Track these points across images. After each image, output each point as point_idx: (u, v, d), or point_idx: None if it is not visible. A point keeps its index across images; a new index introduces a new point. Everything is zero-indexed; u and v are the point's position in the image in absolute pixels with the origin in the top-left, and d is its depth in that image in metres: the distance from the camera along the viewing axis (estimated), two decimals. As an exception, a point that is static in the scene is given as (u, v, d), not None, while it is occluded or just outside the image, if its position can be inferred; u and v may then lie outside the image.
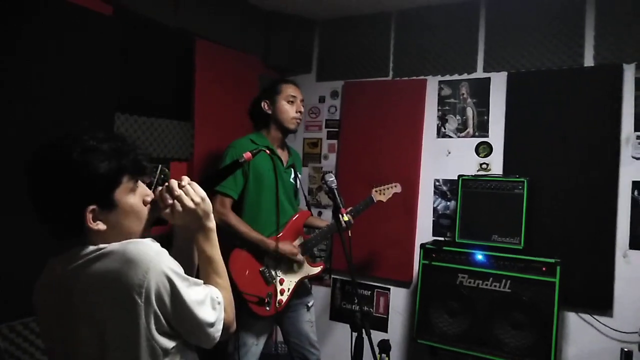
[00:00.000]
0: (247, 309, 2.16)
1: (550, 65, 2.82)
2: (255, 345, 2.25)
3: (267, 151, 1.60)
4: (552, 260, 2.41)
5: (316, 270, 2.44)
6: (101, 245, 1.04)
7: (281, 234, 2.35)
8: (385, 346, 3.02)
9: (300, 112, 2.44)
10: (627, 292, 2.56)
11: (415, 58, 3.24)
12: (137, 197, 1.10)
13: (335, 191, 2.06)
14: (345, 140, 3.49)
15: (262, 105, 2.41)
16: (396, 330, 3.24)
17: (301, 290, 2.42)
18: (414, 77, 3.25)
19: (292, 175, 2.51)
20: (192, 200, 1.12)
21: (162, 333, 1.04)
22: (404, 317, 3.22)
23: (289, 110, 2.40)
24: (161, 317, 1.02)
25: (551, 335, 2.36)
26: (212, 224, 1.18)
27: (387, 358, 3.05)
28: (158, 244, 1.08)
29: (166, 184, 1.14)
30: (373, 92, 3.37)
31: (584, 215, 2.67)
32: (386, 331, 3.25)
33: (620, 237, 2.60)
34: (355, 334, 2.10)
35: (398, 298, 3.25)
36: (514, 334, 2.47)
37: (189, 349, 1.15)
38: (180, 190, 1.12)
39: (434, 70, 3.19)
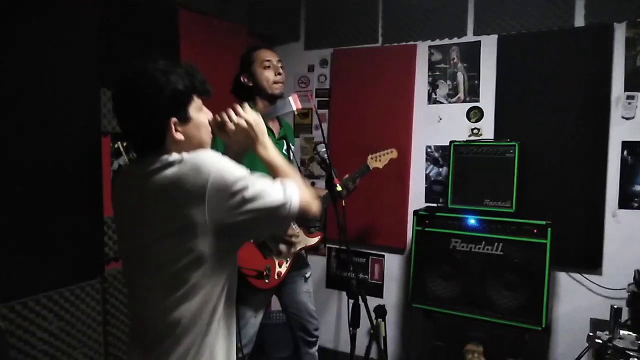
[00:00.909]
0: (245, 282, 2.18)
1: (541, 26, 2.79)
2: (254, 317, 2.28)
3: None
4: (543, 223, 2.45)
5: (314, 240, 2.45)
6: (174, 154, 1.19)
7: (275, 206, 2.34)
8: (381, 311, 3.11)
9: (279, 74, 2.36)
10: (616, 250, 2.62)
11: (405, 23, 3.19)
12: (204, 114, 1.28)
13: (328, 161, 2.05)
14: (336, 110, 3.46)
15: (242, 79, 2.34)
16: (391, 295, 3.30)
17: (299, 262, 2.44)
18: (404, 43, 3.21)
19: (285, 147, 2.49)
20: (247, 121, 1.35)
21: (217, 234, 1.14)
22: (399, 282, 3.28)
23: (268, 75, 2.31)
24: (219, 218, 1.13)
25: (542, 295, 2.42)
26: (266, 137, 1.37)
27: (383, 322, 3.14)
28: (221, 154, 1.22)
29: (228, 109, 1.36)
30: (363, 59, 3.32)
31: (574, 176, 2.70)
32: (382, 297, 3.32)
33: (610, 197, 2.64)
34: (352, 301, 2.14)
35: (392, 264, 3.30)
36: (506, 295, 2.53)
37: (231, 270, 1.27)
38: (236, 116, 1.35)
39: (423, 35, 3.14)
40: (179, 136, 1.20)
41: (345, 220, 2.20)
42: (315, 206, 1.28)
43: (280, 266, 2.31)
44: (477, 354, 2.55)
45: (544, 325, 2.43)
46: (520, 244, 2.50)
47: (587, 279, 2.69)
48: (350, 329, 2.06)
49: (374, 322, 3.22)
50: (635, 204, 2.59)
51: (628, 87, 2.60)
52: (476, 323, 2.57)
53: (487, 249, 2.58)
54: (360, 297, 2.05)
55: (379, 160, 2.57)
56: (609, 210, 2.64)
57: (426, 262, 2.75)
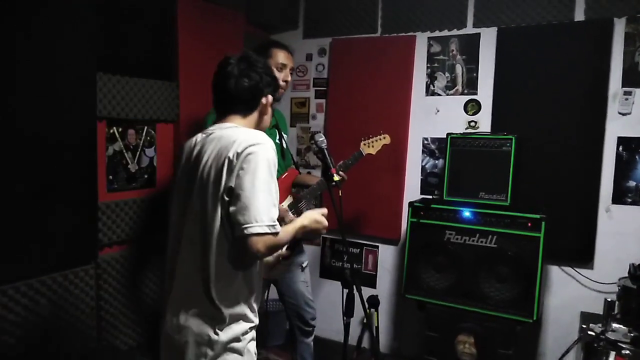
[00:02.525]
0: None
1: (541, 20, 2.78)
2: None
3: None
4: (537, 216, 2.46)
5: None
6: (238, 123, 1.55)
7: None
8: (374, 301, 3.13)
9: (286, 81, 2.37)
10: (608, 245, 2.65)
11: (404, 13, 3.17)
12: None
13: (325, 151, 2.04)
14: (334, 100, 3.45)
15: None
16: (385, 286, 3.32)
17: (296, 249, 2.44)
18: (403, 34, 3.19)
19: (277, 137, 2.48)
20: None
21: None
22: (392, 273, 3.30)
23: (277, 77, 2.34)
24: (237, 181, 1.39)
25: (534, 288, 2.44)
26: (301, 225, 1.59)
27: (376, 313, 3.16)
28: (270, 140, 1.49)
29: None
30: (361, 49, 3.30)
31: (569, 171, 2.71)
32: (375, 287, 3.33)
33: (604, 192, 2.66)
34: (346, 291, 2.15)
35: (386, 255, 3.32)
36: (499, 287, 2.55)
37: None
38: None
39: (423, 26, 3.12)
40: (268, 107, 1.62)
41: (341, 209, 2.20)
42: (268, 250, 1.40)
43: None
44: (469, 345, 2.58)
45: (535, 318, 2.45)
46: (514, 237, 2.51)
47: (579, 272, 2.72)
48: (344, 318, 2.07)
49: (367, 312, 3.24)
50: (629, 200, 2.61)
51: (625, 82, 2.60)
52: (468, 314, 2.60)
53: (481, 242, 2.59)
54: (354, 286, 2.06)
55: (372, 146, 2.56)
56: (603, 205, 2.66)
57: (420, 253, 2.76)
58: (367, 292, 3.30)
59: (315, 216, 1.60)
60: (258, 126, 1.61)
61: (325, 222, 1.62)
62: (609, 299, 1.92)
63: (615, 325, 1.88)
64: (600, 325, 1.93)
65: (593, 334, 1.80)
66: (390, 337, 3.30)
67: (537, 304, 2.44)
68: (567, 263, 2.76)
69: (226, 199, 1.39)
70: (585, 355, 1.93)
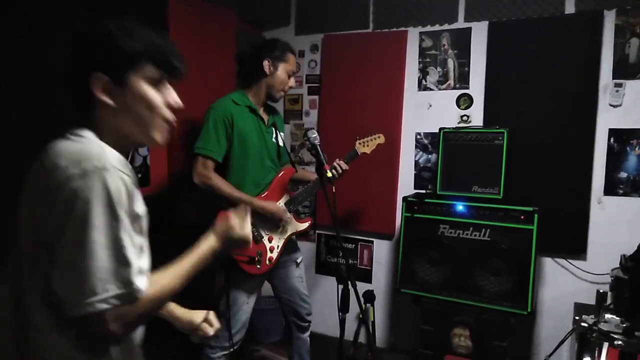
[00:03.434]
0: (238, 268, 2.19)
1: (532, 13, 2.79)
2: (246, 304, 2.29)
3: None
4: (530, 209, 2.48)
5: (304, 226, 2.47)
6: (85, 131, 1.02)
7: (266, 193, 2.35)
8: (369, 296, 3.14)
9: (291, 87, 2.42)
10: (601, 236, 2.67)
11: (396, 9, 3.17)
12: (158, 94, 1.09)
13: (319, 147, 2.04)
14: (327, 96, 3.45)
15: (264, 63, 2.32)
16: (380, 281, 3.34)
17: (289, 247, 2.45)
18: (395, 29, 3.19)
19: (274, 135, 2.48)
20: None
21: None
22: (387, 268, 3.31)
23: (286, 83, 2.37)
24: (54, 230, 0.92)
25: (528, 280, 2.46)
26: (216, 244, 1.19)
27: (371, 307, 3.17)
28: (120, 159, 0.99)
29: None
30: (353, 45, 3.30)
31: (561, 163, 2.73)
32: (370, 282, 3.35)
33: (596, 183, 2.68)
34: (341, 286, 2.16)
35: (381, 250, 3.33)
36: (493, 280, 2.56)
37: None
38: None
39: (414, 21, 3.13)
40: (106, 98, 1.02)
41: (335, 205, 2.20)
42: (123, 330, 0.97)
43: (271, 251, 2.32)
44: (464, 338, 2.60)
45: (529, 310, 2.47)
46: (507, 230, 2.52)
47: (572, 264, 2.74)
48: (340, 314, 2.08)
49: (363, 307, 3.25)
50: (620, 191, 2.63)
51: (616, 74, 2.62)
52: (463, 308, 2.61)
53: (475, 235, 2.61)
54: (349, 282, 2.07)
55: (366, 146, 2.57)
56: (595, 196, 2.68)
57: (414, 247, 2.77)
58: (362, 287, 3.31)
59: (227, 228, 1.20)
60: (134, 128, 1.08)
61: (246, 228, 1.22)
62: (601, 290, 1.93)
63: (607, 316, 1.90)
64: (592, 316, 1.94)
65: (586, 325, 1.82)
66: (387, 332, 3.32)
67: (531, 296, 2.46)
68: (560, 255, 2.78)
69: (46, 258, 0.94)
70: (579, 346, 1.95)
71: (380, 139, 2.60)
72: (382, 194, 3.24)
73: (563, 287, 2.77)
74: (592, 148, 2.67)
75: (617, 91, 2.61)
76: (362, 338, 3.29)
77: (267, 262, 2.29)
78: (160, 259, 1.60)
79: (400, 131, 3.20)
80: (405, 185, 3.20)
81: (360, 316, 3.16)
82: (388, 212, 3.23)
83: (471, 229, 2.62)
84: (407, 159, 3.21)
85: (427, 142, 3.16)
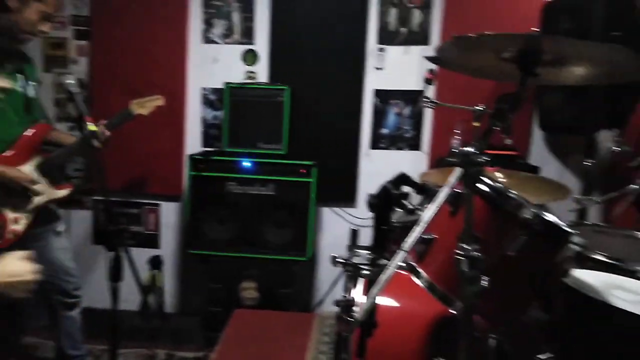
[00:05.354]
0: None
1: (311, -27, 2.88)
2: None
3: None
4: (310, 163, 2.63)
5: (62, 193, 2.12)
6: None
7: (11, 153, 1.94)
8: (156, 262, 2.97)
9: (44, 32, 1.99)
10: (368, 185, 3.00)
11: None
12: None
13: (76, 96, 1.75)
14: (99, 43, 3.01)
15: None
16: (169, 244, 3.17)
17: (45, 216, 2.09)
18: (175, -28, 2.93)
19: (20, 83, 2.04)
20: None
21: None
22: (176, 230, 3.16)
23: (35, 25, 1.91)
24: None
25: (306, 230, 2.64)
26: None
27: (159, 273, 3.01)
28: None
29: None
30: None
31: (337, 120, 2.95)
32: (158, 247, 3.16)
33: (364, 139, 2.99)
34: (112, 253, 1.96)
35: (169, 212, 3.16)
36: (277, 232, 2.67)
37: None
38: None
39: (197, -33, 2.93)
40: None
41: (102, 164, 1.95)
42: None
43: (16, 222, 1.94)
44: (252, 290, 2.66)
45: (309, 256, 2.66)
46: (290, 183, 2.64)
47: (345, 211, 3.04)
48: (111, 283, 1.89)
49: (149, 273, 3.07)
50: (382, 145, 2.99)
51: (381, 40, 2.91)
52: (251, 262, 2.67)
53: (260, 190, 2.66)
54: (122, 247, 1.88)
55: (143, 107, 2.32)
56: (363, 150, 2.99)
57: (202, 207, 2.70)
58: (150, 252, 3.11)
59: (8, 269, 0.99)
60: None
61: (29, 270, 1.05)
62: (353, 228, 2.13)
63: (360, 252, 2.13)
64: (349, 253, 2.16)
65: (341, 261, 2.00)
66: (178, 296, 3.20)
67: (310, 244, 2.65)
68: (336, 204, 3.05)
69: None
70: (346, 282, 2.16)
71: (159, 100, 2.37)
72: (168, 153, 3.03)
73: (339, 234, 3.04)
74: (361, 107, 2.95)
75: (380, 55, 2.91)
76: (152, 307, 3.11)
77: (10, 234, 1.91)
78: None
79: (185, 86, 3.01)
80: (193, 143, 3.06)
81: (145, 284, 2.97)
82: (174, 173, 3.05)
83: (257, 184, 2.66)
84: (194, 115, 3.06)
85: (214, 99, 3.05)
